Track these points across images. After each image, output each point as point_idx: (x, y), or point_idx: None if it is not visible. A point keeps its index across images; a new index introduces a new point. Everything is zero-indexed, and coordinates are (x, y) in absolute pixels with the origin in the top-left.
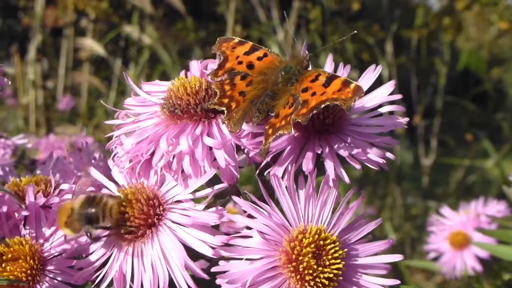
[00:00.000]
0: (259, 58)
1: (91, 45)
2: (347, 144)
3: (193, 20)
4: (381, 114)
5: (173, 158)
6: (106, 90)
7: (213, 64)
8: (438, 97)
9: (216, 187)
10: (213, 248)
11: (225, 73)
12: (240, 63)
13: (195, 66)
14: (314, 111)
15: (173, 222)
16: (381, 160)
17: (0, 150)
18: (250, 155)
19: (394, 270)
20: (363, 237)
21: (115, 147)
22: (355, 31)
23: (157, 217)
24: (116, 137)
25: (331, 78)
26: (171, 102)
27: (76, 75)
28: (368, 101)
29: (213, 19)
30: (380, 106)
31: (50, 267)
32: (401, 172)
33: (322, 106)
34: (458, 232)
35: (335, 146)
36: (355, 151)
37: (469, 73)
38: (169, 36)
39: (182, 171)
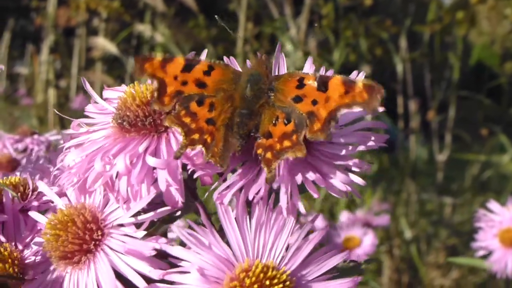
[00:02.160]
0: (206, 73)
1: (104, 44)
2: (308, 167)
3: (205, 18)
4: (369, 130)
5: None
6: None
7: None
8: (452, 92)
9: (159, 211)
10: (151, 280)
11: (172, 100)
12: (184, 83)
13: None
14: (333, 122)
15: (110, 248)
16: (344, 188)
17: (34, 147)
18: (196, 175)
19: (409, 267)
20: (326, 272)
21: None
22: (368, 27)
23: (94, 242)
24: (67, 148)
25: (322, 79)
26: (120, 113)
27: (89, 74)
28: (346, 113)
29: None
30: (360, 119)
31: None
32: (416, 168)
33: (339, 115)
34: (509, 229)
35: (295, 168)
36: (313, 177)
37: (482, 68)
38: (181, 34)
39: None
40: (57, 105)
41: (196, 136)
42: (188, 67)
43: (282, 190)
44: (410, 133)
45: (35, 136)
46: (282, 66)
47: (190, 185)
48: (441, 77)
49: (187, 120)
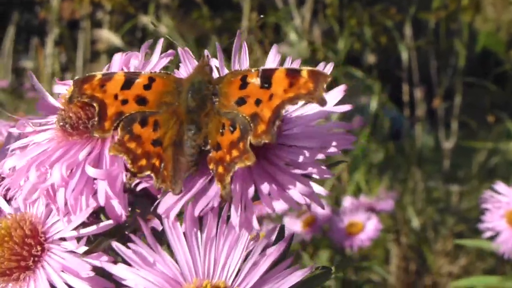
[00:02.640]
0: (146, 87)
1: (108, 37)
2: (263, 176)
3: (209, 9)
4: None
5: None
6: None
7: (136, 60)
8: (458, 79)
9: (102, 224)
10: None
11: (113, 123)
12: (125, 102)
13: (116, 61)
14: (277, 123)
15: (50, 265)
16: (303, 200)
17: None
18: (139, 187)
19: (418, 256)
20: None
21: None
22: (372, 15)
23: (33, 259)
24: (11, 151)
25: (265, 74)
26: (63, 114)
27: (94, 67)
28: (309, 111)
29: (229, 7)
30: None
31: None
32: (422, 156)
33: (283, 111)
34: None
35: (248, 178)
36: (267, 188)
37: (488, 55)
38: (186, 25)
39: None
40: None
41: (143, 162)
42: (127, 83)
43: (233, 204)
44: (416, 121)
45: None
46: (244, 61)
47: (138, 195)
48: (447, 64)
49: (132, 145)
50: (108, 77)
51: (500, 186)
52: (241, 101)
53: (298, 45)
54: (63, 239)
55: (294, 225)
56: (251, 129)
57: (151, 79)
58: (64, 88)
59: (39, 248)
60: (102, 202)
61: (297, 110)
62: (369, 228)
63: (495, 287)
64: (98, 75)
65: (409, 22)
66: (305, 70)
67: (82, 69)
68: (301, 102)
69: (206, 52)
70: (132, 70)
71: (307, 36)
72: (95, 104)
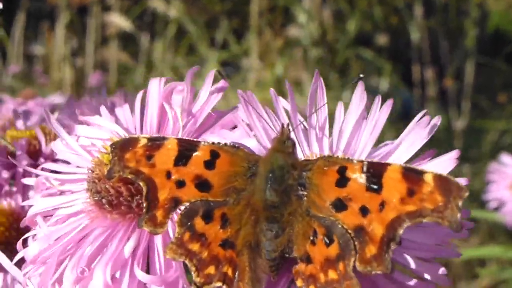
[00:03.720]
0: (208, 164)
1: (118, 21)
2: None
3: None
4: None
5: None
6: (134, 65)
7: (180, 96)
8: (469, 59)
9: None
10: None
11: (168, 214)
12: (180, 184)
13: (153, 94)
14: (393, 246)
15: None
16: None
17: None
18: None
19: None
20: None
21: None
22: None
23: None
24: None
25: (372, 171)
26: (96, 184)
27: (104, 51)
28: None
29: None
30: None
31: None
32: (432, 136)
33: (401, 232)
34: None
35: None
36: None
37: (500, 34)
38: (195, 8)
39: None
40: (74, 83)
41: (211, 269)
42: (182, 157)
43: None
44: (426, 101)
45: (38, 99)
46: (321, 99)
47: None
48: (457, 44)
49: (195, 247)
50: (156, 144)
51: (506, 157)
52: (340, 205)
53: (308, 27)
54: None
55: None
56: (355, 249)
57: (215, 154)
58: (89, 130)
59: None
60: None
61: None
62: None
63: (500, 257)
64: (143, 140)
65: (419, 2)
66: (430, 175)
67: (92, 54)
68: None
69: (282, 118)
70: (176, 109)
71: (317, 18)
72: (141, 184)
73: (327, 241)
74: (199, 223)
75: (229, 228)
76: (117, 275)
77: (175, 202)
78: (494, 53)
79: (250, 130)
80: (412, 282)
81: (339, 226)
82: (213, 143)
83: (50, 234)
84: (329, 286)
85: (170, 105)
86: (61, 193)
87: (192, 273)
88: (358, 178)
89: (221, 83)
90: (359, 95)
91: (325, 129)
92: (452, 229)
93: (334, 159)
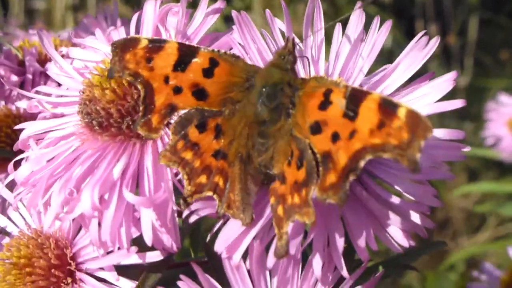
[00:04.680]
0: (206, 72)
1: None
2: (354, 209)
3: None
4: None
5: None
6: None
7: (175, 18)
8: (473, 15)
9: (149, 255)
10: None
11: (163, 120)
12: (178, 90)
13: (148, 14)
14: (351, 177)
15: None
16: (406, 242)
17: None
18: (191, 220)
19: None
20: None
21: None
22: None
23: None
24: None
25: (354, 97)
26: (87, 106)
27: (107, 5)
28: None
29: None
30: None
31: None
32: None
33: (362, 163)
34: None
35: (333, 215)
36: (363, 235)
37: None
38: None
39: None
40: None
41: (203, 179)
42: (182, 62)
43: (315, 257)
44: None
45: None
46: (318, 20)
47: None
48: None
49: (187, 155)
50: (156, 46)
51: (503, 97)
52: (317, 128)
53: None
54: (101, 268)
55: None
56: (318, 175)
57: (214, 62)
58: (82, 53)
59: (69, 280)
60: (148, 240)
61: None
62: None
63: (495, 191)
64: (144, 40)
65: None
66: (403, 109)
67: (94, 9)
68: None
69: (288, 32)
70: (171, 31)
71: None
72: (139, 86)
73: (299, 164)
74: (193, 132)
75: (222, 139)
76: (106, 196)
77: (171, 108)
78: (498, 9)
79: (245, 52)
80: (406, 204)
81: (310, 150)
82: (213, 50)
83: (41, 157)
84: (292, 209)
85: (165, 27)
86: (54, 116)
87: (184, 181)
88: (339, 103)
89: (218, 3)
90: (357, 16)
91: (321, 51)
92: (409, 169)
93: (324, 81)
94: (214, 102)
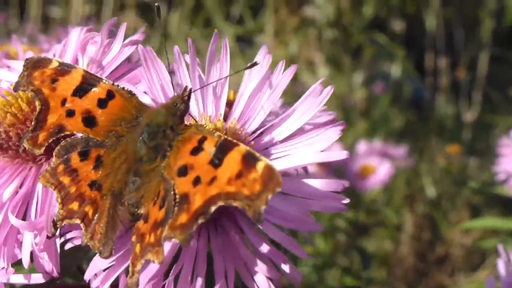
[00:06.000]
0: (101, 103)
1: None
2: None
3: None
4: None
5: None
6: (150, 34)
7: (94, 47)
8: (484, 51)
9: (33, 277)
10: None
11: (49, 138)
12: (70, 114)
13: (72, 41)
14: (200, 220)
15: None
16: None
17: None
18: (67, 247)
19: (432, 226)
20: None
21: None
22: None
23: None
24: None
25: (223, 147)
26: None
27: (120, 18)
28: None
29: None
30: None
31: None
32: (442, 126)
33: (213, 209)
34: None
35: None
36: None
37: None
38: None
39: None
40: None
41: (75, 205)
42: (82, 89)
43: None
44: (438, 90)
45: None
46: (224, 66)
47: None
48: (473, 35)
49: (65, 180)
50: (64, 70)
51: None
52: (183, 171)
53: (325, 8)
54: None
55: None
56: (172, 214)
57: (110, 94)
58: (8, 74)
59: None
60: (26, 263)
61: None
62: (381, 171)
63: (500, 228)
64: (55, 62)
65: None
66: (262, 163)
67: (109, 18)
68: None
69: (182, 78)
70: (85, 59)
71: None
72: (37, 103)
73: (161, 204)
74: (75, 158)
75: (101, 171)
76: None
77: (60, 129)
78: (509, 46)
79: (149, 87)
80: (275, 253)
81: (173, 191)
82: (113, 84)
83: None
84: (147, 248)
85: (83, 55)
86: None
87: (57, 204)
88: (209, 150)
89: (136, 36)
90: (262, 58)
91: (224, 87)
92: (254, 218)
93: (202, 129)
94: (100, 132)
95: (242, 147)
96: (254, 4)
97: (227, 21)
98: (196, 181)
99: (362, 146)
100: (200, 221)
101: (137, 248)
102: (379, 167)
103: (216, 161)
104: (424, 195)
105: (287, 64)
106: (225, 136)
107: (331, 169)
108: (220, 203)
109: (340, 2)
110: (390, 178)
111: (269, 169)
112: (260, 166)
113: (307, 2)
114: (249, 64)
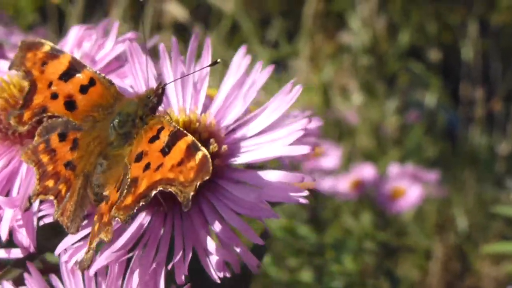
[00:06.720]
0: (83, 89)
1: (174, 11)
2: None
3: None
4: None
5: None
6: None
7: (88, 43)
8: None
9: (13, 251)
10: None
11: (33, 118)
12: (54, 96)
13: (71, 37)
14: (143, 202)
15: None
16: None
17: None
18: (47, 220)
19: (462, 257)
20: None
21: None
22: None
23: None
24: None
25: (174, 136)
26: None
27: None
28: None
29: None
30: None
31: None
32: (475, 157)
33: (153, 193)
34: None
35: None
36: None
37: None
38: (251, 5)
39: None
40: None
41: (50, 183)
42: (67, 74)
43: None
44: (473, 121)
45: None
46: (205, 63)
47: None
48: (510, 66)
49: (44, 158)
50: (53, 55)
51: None
52: (139, 157)
53: (361, 35)
54: None
55: (341, 185)
56: (122, 196)
57: (92, 81)
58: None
59: None
60: (3, 235)
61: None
62: (412, 194)
63: None
64: (47, 46)
65: (474, 20)
66: (201, 153)
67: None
68: None
69: (165, 73)
70: (79, 54)
71: (371, 26)
72: (26, 83)
73: (118, 187)
74: (54, 139)
75: (76, 152)
76: None
77: (43, 110)
78: None
79: (134, 80)
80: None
81: (128, 176)
82: (95, 72)
83: None
84: (102, 227)
85: (78, 50)
86: None
87: (35, 180)
88: (163, 139)
89: (129, 34)
90: (241, 58)
91: (203, 83)
92: (182, 204)
93: (164, 120)
94: (79, 116)
95: (189, 138)
96: (291, 29)
97: (262, 45)
98: (147, 166)
99: (394, 169)
100: (141, 203)
101: (96, 226)
102: (410, 190)
103: (166, 150)
104: (455, 226)
105: (321, 91)
106: (178, 127)
107: (363, 189)
108: (160, 188)
109: (376, 29)
110: (421, 201)
111: (205, 159)
112: (198, 155)
113: (343, 28)
114: (211, 62)
